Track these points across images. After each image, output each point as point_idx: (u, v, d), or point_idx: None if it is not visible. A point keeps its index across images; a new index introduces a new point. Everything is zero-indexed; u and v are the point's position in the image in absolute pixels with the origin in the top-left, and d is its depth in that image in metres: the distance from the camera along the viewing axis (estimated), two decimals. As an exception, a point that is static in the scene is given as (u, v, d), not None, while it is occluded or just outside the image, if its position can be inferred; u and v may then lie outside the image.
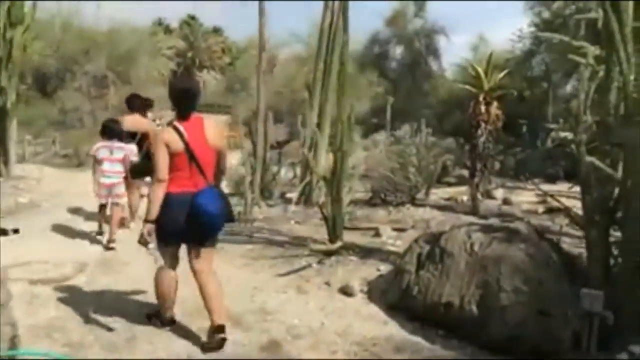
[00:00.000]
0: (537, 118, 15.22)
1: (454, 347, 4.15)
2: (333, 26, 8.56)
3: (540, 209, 8.58)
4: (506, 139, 13.40)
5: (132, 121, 7.31)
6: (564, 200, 5.36)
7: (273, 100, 23.57)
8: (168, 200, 3.77)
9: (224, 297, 4.07)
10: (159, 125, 9.97)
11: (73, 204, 8.72)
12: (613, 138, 4.31)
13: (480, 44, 25.28)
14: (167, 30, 51.87)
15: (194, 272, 3.99)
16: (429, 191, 9.35)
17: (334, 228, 5.97)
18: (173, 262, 4.02)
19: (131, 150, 6.79)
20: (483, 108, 8.43)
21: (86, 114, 21.78)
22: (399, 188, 8.74)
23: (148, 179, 4.69)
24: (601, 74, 4.42)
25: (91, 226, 7.29)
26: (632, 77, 4.08)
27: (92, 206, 7.39)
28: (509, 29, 27.36)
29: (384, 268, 5.45)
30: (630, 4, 4.14)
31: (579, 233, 5.27)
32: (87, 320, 4.34)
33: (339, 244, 5.89)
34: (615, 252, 4.35)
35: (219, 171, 4.08)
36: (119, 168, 6.64)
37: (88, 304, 4.62)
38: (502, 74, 8.92)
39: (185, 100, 3.88)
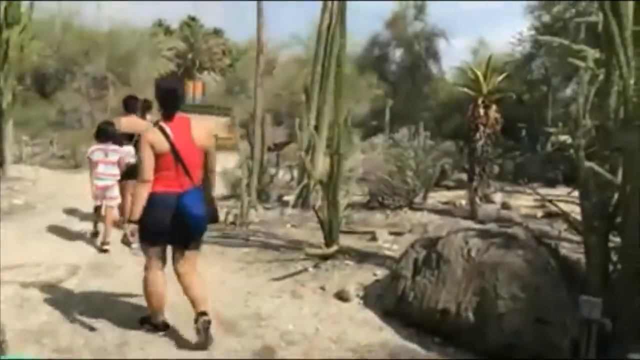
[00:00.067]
0: (537, 122, 15.21)
1: (450, 354, 4.08)
2: (331, 28, 8.50)
3: (539, 213, 8.52)
4: (505, 142, 13.36)
5: (128, 122, 7.25)
6: (562, 205, 5.28)
7: (272, 102, 23.53)
8: (152, 199, 3.75)
9: (209, 299, 4.07)
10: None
11: (68, 205, 8.66)
12: (613, 142, 4.26)
13: (480, 47, 25.28)
14: (168, 31, 51.83)
15: (178, 275, 3.99)
16: (427, 195, 9.29)
17: (330, 232, 5.90)
18: (159, 262, 3.97)
19: (127, 152, 6.74)
20: (482, 111, 8.38)
21: (85, 114, 21.74)
22: (397, 191, 8.68)
23: None
24: (601, 77, 4.36)
25: (86, 228, 7.22)
26: (632, 81, 4.02)
27: (88, 207, 7.35)
28: (509, 32, 27.37)
29: (380, 273, 5.38)
30: (631, 6, 4.08)
31: (578, 238, 5.21)
32: (78, 325, 4.27)
33: (335, 248, 5.82)
34: (614, 258, 4.29)
35: (209, 171, 4.05)
36: (114, 170, 6.60)
37: (79, 309, 4.55)
38: (500, 77, 8.86)
39: (170, 101, 3.88)
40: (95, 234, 6.87)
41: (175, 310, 4.30)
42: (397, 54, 30.07)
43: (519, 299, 3.98)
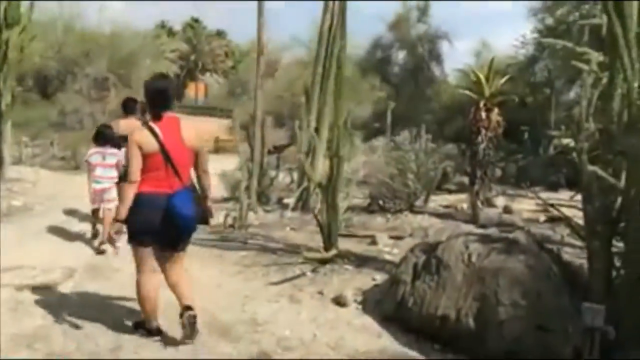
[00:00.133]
0: (540, 125, 15.11)
1: (450, 361, 4.02)
2: (332, 29, 8.43)
3: (542, 217, 8.43)
4: (508, 145, 13.28)
5: (126, 125, 7.19)
6: (565, 209, 5.20)
7: (274, 104, 23.51)
8: (140, 200, 3.73)
9: (195, 294, 4.10)
10: None
11: (67, 207, 8.60)
12: (616, 146, 4.19)
13: (483, 49, 25.22)
14: (171, 33, 51.96)
15: (166, 274, 3.98)
16: (428, 198, 9.21)
17: (329, 235, 5.83)
18: (153, 262, 3.92)
19: (125, 155, 6.70)
20: (484, 114, 8.30)
21: (86, 116, 21.71)
22: (398, 195, 8.60)
23: None
24: (604, 80, 4.29)
25: (85, 230, 7.18)
26: (636, 84, 3.95)
27: (86, 209, 7.29)
28: (512, 35, 27.29)
29: (380, 277, 5.31)
30: (635, 7, 4.01)
31: (581, 243, 5.14)
32: (72, 329, 4.21)
33: (333, 252, 5.75)
34: (617, 264, 4.21)
35: (202, 172, 4.02)
36: (112, 173, 6.58)
37: (74, 312, 4.48)
38: (503, 80, 8.77)
39: (160, 101, 3.84)
40: (94, 235, 6.84)
41: (169, 315, 4.23)
42: (400, 56, 30.09)
43: (520, 305, 3.91)
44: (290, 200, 8.89)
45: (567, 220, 5.03)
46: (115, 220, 3.83)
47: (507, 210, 9.02)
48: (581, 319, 3.72)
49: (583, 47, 4.74)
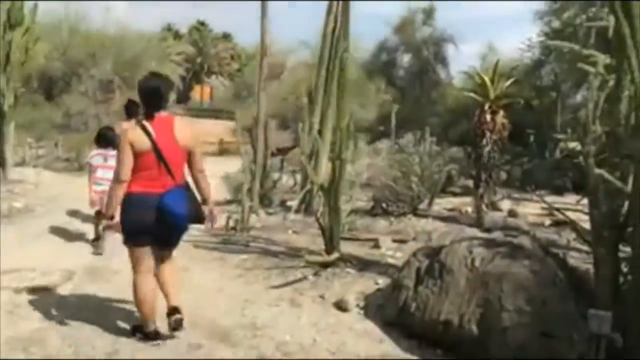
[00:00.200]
0: (546, 128, 15.01)
1: (452, 368, 3.94)
2: (336, 31, 8.37)
3: (547, 221, 8.34)
4: (513, 149, 13.18)
5: (129, 127, 7.17)
6: (570, 214, 5.12)
7: (279, 107, 23.50)
8: (131, 200, 3.74)
9: (182, 287, 4.25)
10: None
11: (68, 209, 8.56)
12: (623, 149, 4.11)
13: (489, 53, 25.10)
14: (177, 35, 52.15)
15: (156, 274, 3.98)
16: (432, 201, 9.12)
17: (330, 239, 5.75)
18: (149, 262, 3.90)
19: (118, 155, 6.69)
20: (488, 117, 8.21)
21: (91, 117, 21.73)
22: (401, 198, 8.52)
23: None
24: (611, 83, 4.21)
25: (86, 231, 7.15)
26: (644, 86, 3.87)
27: (88, 211, 7.25)
28: (518, 38, 27.18)
29: (382, 282, 5.22)
30: (643, 7, 3.92)
31: (588, 248, 5.05)
32: (68, 332, 4.16)
33: (335, 255, 5.66)
34: (624, 269, 4.12)
35: (198, 171, 3.99)
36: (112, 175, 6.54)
37: (71, 315, 4.44)
38: (508, 82, 8.69)
39: (152, 100, 3.83)
40: (97, 238, 6.80)
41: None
42: (405, 59, 29.94)
43: (524, 311, 3.82)
44: (293, 203, 8.82)
45: (572, 225, 4.94)
46: (104, 216, 3.92)
47: (512, 214, 8.93)
48: (587, 325, 3.64)
49: (590, 49, 4.67)
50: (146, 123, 3.76)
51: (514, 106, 10.03)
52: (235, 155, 15.89)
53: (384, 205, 8.66)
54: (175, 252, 4.20)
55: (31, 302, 4.75)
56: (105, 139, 6.65)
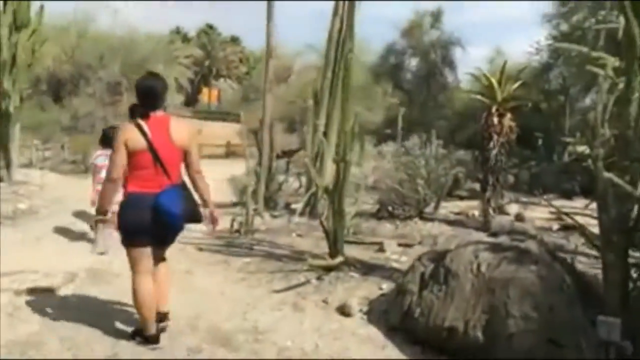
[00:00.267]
0: (554, 131, 14.89)
1: (456, 375, 3.86)
2: (342, 33, 8.32)
3: (555, 225, 8.22)
4: (521, 152, 13.07)
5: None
6: (579, 218, 5.02)
7: (287, 109, 23.49)
8: (128, 200, 3.75)
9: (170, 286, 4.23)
10: None
11: (73, 210, 8.53)
12: (633, 153, 4.02)
13: (497, 56, 24.98)
14: (185, 38, 52.40)
15: (152, 273, 3.96)
16: (438, 205, 9.02)
17: (334, 242, 5.68)
18: (148, 262, 3.87)
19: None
20: (496, 119, 8.10)
21: (99, 120, 21.78)
22: (407, 201, 8.43)
23: None
24: (621, 86, 4.13)
25: (89, 233, 7.10)
26: (655, 88, 3.79)
27: (93, 212, 7.21)
28: (526, 42, 27.01)
29: (387, 286, 5.14)
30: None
31: (596, 253, 4.96)
32: (68, 335, 4.11)
33: (339, 259, 5.59)
34: (634, 275, 4.03)
35: (195, 172, 3.96)
36: None
37: (72, 318, 4.39)
38: (516, 85, 8.58)
39: (148, 99, 3.82)
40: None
41: (174, 322, 4.19)
42: (413, 62, 29.91)
43: (530, 318, 3.73)
44: (297, 206, 8.75)
45: (581, 229, 4.85)
46: (96, 212, 3.96)
47: (519, 217, 8.82)
48: (596, 332, 3.57)
49: (599, 52, 4.59)
50: (142, 122, 3.74)
51: (521, 109, 9.93)
52: (242, 157, 15.88)
53: (389, 208, 8.58)
54: (172, 254, 4.21)
55: (32, 305, 4.70)
56: (110, 139, 6.61)
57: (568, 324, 3.74)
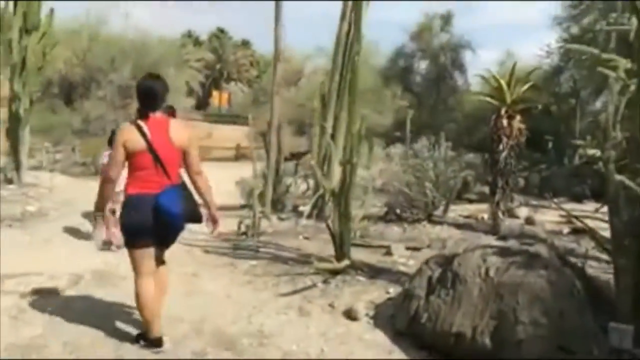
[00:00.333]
0: (564, 134, 14.76)
1: (464, 381, 3.79)
2: (350, 35, 8.26)
3: (566, 229, 8.12)
4: (531, 155, 12.95)
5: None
6: (589, 222, 4.94)
7: (297, 112, 23.49)
8: (129, 202, 3.77)
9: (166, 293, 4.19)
10: None
11: (83, 211, 8.54)
12: (645, 155, 3.94)
13: (507, 59, 24.82)
14: (197, 42, 52.74)
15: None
16: (447, 208, 8.94)
17: (341, 245, 5.62)
18: (150, 263, 3.87)
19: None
20: (505, 122, 8.00)
21: (109, 122, 21.87)
22: (415, 204, 8.36)
23: None
24: (632, 88, 4.06)
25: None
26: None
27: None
28: (537, 44, 26.83)
29: (394, 290, 5.07)
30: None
31: (608, 257, 4.87)
32: (71, 338, 4.10)
33: (346, 262, 5.53)
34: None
35: (195, 173, 3.95)
36: (124, 174, 6.51)
37: (75, 321, 4.39)
38: (525, 87, 8.48)
39: (148, 100, 3.83)
40: (108, 241, 6.78)
41: (179, 325, 4.22)
42: (423, 65, 29.80)
43: (540, 324, 3.65)
44: (305, 208, 8.70)
45: (592, 233, 4.78)
46: (94, 209, 4.06)
47: (529, 221, 8.72)
48: (607, 340, 3.50)
49: (610, 54, 4.52)
50: (141, 123, 3.76)
51: (531, 112, 9.82)
52: (251, 160, 15.86)
53: (397, 211, 8.51)
54: (178, 256, 4.19)
55: (36, 307, 4.70)
56: None
57: (579, 331, 3.66)
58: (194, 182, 3.96)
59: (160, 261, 4.02)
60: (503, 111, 8.12)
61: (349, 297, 5.01)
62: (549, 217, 8.99)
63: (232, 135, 27.47)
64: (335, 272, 5.47)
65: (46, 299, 4.89)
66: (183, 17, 71.01)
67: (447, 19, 28.35)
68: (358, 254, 6.07)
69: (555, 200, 9.28)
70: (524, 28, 62.11)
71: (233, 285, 5.53)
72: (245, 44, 57.02)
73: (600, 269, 5.27)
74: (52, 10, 11.89)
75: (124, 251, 4.05)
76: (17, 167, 11.47)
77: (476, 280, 4.05)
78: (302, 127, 24.15)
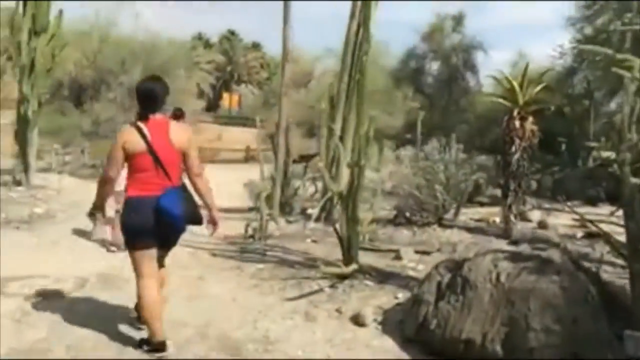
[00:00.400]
0: (578, 136, 14.56)
1: (474, 390, 3.68)
2: (359, 36, 8.18)
3: (579, 233, 7.96)
4: (544, 157, 12.77)
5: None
6: (604, 226, 4.81)
7: (307, 114, 23.47)
8: (130, 204, 3.77)
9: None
10: None
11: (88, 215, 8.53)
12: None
13: (519, 60, 24.61)
14: (207, 44, 53.01)
15: None
16: (458, 211, 8.81)
17: (348, 249, 5.53)
18: (152, 264, 3.85)
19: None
20: (517, 123, 7.86)
21: (119, 125, 21.92)
22: (425, 207, 8.24)
23: None
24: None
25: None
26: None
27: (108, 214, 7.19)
28: (550, 46, 26.55)
29: (402, 295, 4.98)
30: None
31: (623, 262, 4.75)
32: (74, 342, 4.06)
33: (353, 266, 5.44)
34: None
35: (195, 175, 3.94)
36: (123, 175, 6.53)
37: (79, 324, 4.36)
38: (538, 88, 8.34)
39: (147, 101, 3.84)
40: (112, 243, 6.76)
41: (183, 330, 4.17)
42: (434, 66, 29.66)
43: (553, 331, 3.55)
44: (313, 211, 8.62)
45: (606, 237, 4.66)
46: (93, 208, 4.16)
47: (542, 225, 8.57)
48: (622, 348, 3.40)
49: (625, 54, 4.41)
50: (141, 124, 3.76)
51: (544, 113, 9.67)
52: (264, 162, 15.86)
53: (407, 214, 8.39)
54: (185, 259, 4.16)
55: (40, 310, 4.68)
56: None
57: (593, 338, 3.56)
58: (194, 184, 3.97)
59: (160, 264, 4.00)
60: (515, 112, 7.99)
61: (357, 302, 4.92)
62: (562, 221, 8.83)
63: (241, 137, 27.56)
64: (342, 277, 5.38)
65: (51, 302, 4.86)
66: (186, 17, 71.23)
67: (458, 20, 28.19)
68: (366, 258, 5.98)
69: (569, 203, 9.11)
70: (537, 29, 61.68)
71: (239, 289, 5.47)
72: (256, 46, 57.26)
73: (615, 274, 5.14)
74: (61, 12, 11.95)
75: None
76: (26, 169, 11.51)
77: (487, 286, 3.95)
78: (312, 129, 24.10)
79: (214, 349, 4.07)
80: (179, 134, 3.86)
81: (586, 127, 15.03)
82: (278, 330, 4.42)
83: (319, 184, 10.13)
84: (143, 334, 4.05)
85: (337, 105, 8.67)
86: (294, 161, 10.60)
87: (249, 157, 25.44)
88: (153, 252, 3.84)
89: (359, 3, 8.07)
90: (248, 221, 7.79)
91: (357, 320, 4.55)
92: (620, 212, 4.15)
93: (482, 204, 10.83)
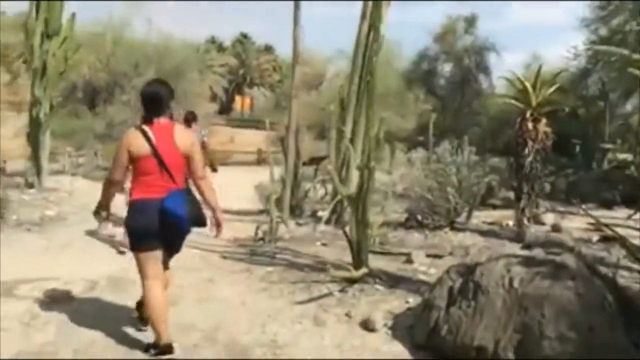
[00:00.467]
0: (592, 138, 14.35)
1: (486, 398, 3.59)
2: (370, 37, 8.09)
3: (595, 237, 7.80)
4: (557, 159, 12.59)
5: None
6: (620, 229, 4.70)
7: (318, 116, 23.41)
8: (134, 207, 3.78)
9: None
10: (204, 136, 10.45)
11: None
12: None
13: (533, 61, 24.36)
14: (220, 48, 53.23)
15: None
16: (470, 214, 8.68)
17: (358, 252, 5.44)
18: (157, 266, 3.86)
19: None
20: (530, 125, 7.73)
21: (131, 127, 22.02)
22: (437, 210, 8.12)
23: None
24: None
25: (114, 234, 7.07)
26: None
27: (120, 215, 7.19)
28: (564, 47, 26.32)
29: (413, 300, 4.88)
30: None
31: None
32: (82, 345, 4.05)
33: (363, 270, 5.36)
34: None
35: (198, 178, 3.98)
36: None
37: (87, 327, 4.35)
38: (551, 89, 8.20)
39: (152, 105, 3.87)
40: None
41: (190, 334, 4.14)
42: (447, 68, 29.42)
43: (567, 338, 3.44)
44: (323, 214, 8.54)
45: (622, 241, 4.54)
46: (98, 208, 4.18)
47: (556, 228, 8.41)
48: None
49: (640, 54, 4.30)
50: (146, 127, 3.79)
51: (558, 115, 9.51)
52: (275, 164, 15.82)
53: (418, 217, 8.28)
54: (194, 262, 4.14)
55: (49, 313, 4.68)
56: None
57: (609, 346, 3.45)
58: (198, 187, 4.00)
59: (165, 266, 3.99)
60: (528, 114, 7.86)
61: (367, 306, 4.84)
62: (576, 224, 8.67)
63: (253, 139, 27.61)
64: (352, 281, 5.30)
65: (60, 305, 4.87)
66: (204, 21, 71.50)
67: (471, 21, 27.96)
68: (377, 262, 5.90)
69: (583, 206, 8.96)
70: (550, 30, 61.28)
71: (248, 292, 5.42)
72: (268, 49, 57.41)
73: (632, 279, 5.00)
74: (73, 15, 11.99)
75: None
76: (38, 171, 11.55)
77: (499, 291, 3.85)
78: (324, 131, 24.01)
79: (221, 354, 4.04)
80: (183, 137, 3.90)
81: (601, 128, 14.82)
82: (287, 335, 4.36)
83: (329, 187, 10.05)
84: (146, 335, 4.05)
85: (347, 108, 8.59)
86: (304, 163, 10.53)
87: (261, 160, 25.46)
88: (158, 254, 3.84)
89: (370, 4, 7.99)
90: (258, 224, 7.75)
91: (367, 325, 4.47)
92: (637, 216, 4.03)
93: (494, 207, 10.68)
